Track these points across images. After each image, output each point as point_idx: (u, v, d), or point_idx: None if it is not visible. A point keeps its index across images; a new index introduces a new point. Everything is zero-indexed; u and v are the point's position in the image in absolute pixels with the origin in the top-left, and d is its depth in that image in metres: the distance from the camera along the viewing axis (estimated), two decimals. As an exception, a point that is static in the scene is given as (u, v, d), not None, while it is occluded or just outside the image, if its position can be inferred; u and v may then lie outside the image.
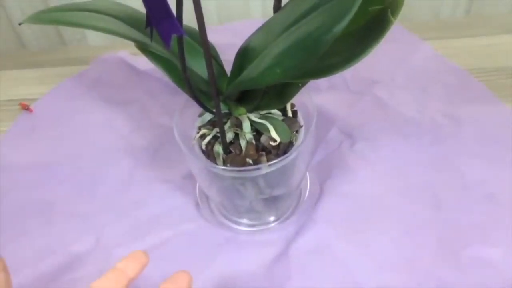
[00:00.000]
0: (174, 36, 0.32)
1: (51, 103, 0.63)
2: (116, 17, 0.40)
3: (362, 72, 0.61)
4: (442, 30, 0.68)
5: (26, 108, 0.62)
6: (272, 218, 0.49)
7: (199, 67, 0.40)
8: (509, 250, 0.44)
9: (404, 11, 0.30)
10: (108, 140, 0.57)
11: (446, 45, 0.65)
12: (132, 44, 0.67)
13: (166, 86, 0.62)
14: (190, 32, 0.40)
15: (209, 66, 0.34)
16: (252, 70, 0.33)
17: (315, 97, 0.58)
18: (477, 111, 0.55)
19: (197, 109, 0.46)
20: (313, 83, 0.62)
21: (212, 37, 0.47)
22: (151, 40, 0.31)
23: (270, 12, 0.38)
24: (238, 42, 0.40)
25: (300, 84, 0.38)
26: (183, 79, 0.36)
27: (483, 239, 0.45)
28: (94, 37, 0.77)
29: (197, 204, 0.50)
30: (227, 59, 0.42)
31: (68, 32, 0.76)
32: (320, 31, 0.28)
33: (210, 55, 0.32)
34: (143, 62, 0.65)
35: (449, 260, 0.44)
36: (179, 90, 0.61)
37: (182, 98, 0.44)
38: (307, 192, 0.50)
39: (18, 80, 0.68)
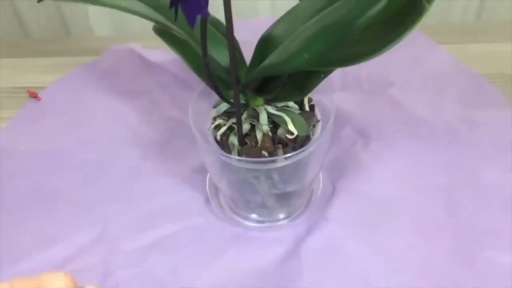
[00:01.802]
0: (197, 19, 0.32)
1: (59, 92, 0.62)
2: None
3: (376, 73, 0.60)
4: (454, 35, 0.68)
5: (34, 96, 0.61)
6: (282, 216, 0.48)
7: (218, 55, 0.40)
8: (525, 255, 0.43)
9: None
10: (116, 131, 0.56)
11: (458, 50, 0.64)
12: (141, 37, 0.66)
13: (178, 80, 0.61)
14: (212, 20, 0.39)
15: (231, 49, 0.33)
16: (278, 55, 0.32)
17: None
18: (492, 115, 0.54)
19: (210, 101, 0.45)
20: (327, 82, 0.62)
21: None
22: (176, 19, 0.31)
23: (279, 11, 0.38)
24: (250, 39, 0.40)
25: (322, 75, 0.37)
26: (202, 65, 0.35)
27: (498, 244, 0.44)
28: (100, 29, 0.76)
29: (206, 198, 0.49)
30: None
31: (73, 23, 0.75)
32: (353, 14, 0.27)
33: (233, 36, 0.31)
34: (155, 55, 0.64)
35: (464, 263, 0.43)
36: (190, 84, 0.60)
37: (194, 92, 0.43)
38: (319, 191, 0.49)
39: (23, 68, 0.67)
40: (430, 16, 0.73)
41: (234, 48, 0.33)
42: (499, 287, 0.41)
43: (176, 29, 0.36)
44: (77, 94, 0.61)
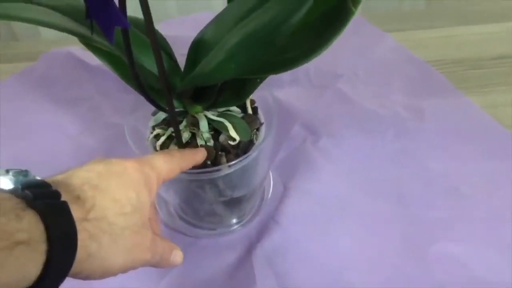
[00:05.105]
0: (118, 29, 0.29)
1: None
2: (57, 8, 0.36)
3: (325, 66, 0.59)
4: (403, 21, 0.68)
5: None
6: (234, 221, 0.47)
7: (149, 62, 0.37)
8: (473, 244, 0.43)
9: (364, 2, 0.28)
10: (56, 143, 0.53)
11: (407, 37, 0.64)
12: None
13: (120, 83, 0.58)
14: (137, 23, 0.37)
15: (157, 58, 0.31)
16: (205, 65, 0.31)
17: (277, 92, 0.57)
18: (439, 103, 0.55)
19: (152, 107, 0.43)
20: (275, 78, 0.60)
21: (171, 30, 0.44)
22: (92, 33, 0.28)
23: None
24: (191, 34, 0.38)
25: (258, 80, 0.36)
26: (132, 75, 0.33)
27: (447, 234, 0.44)
28: (47, 31, 0.72)
29: (154, 209, 0.47)
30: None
31: (20, 26, 0.71)
32: (276, 21, 0.26)
33: (158, 46, 0.30)
34: (96, 58, 0.61)
35: (415, 257, 0.43)
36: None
37: (136, 96, 0.41)
38: (270, 192, 0.48)
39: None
40: (381, 4, 0.73)
41: (160, 58, 0.31)
42: (451, 278, 0.41)
43: (99, 42, 0.34)
44: (12, 105, 0.58)
